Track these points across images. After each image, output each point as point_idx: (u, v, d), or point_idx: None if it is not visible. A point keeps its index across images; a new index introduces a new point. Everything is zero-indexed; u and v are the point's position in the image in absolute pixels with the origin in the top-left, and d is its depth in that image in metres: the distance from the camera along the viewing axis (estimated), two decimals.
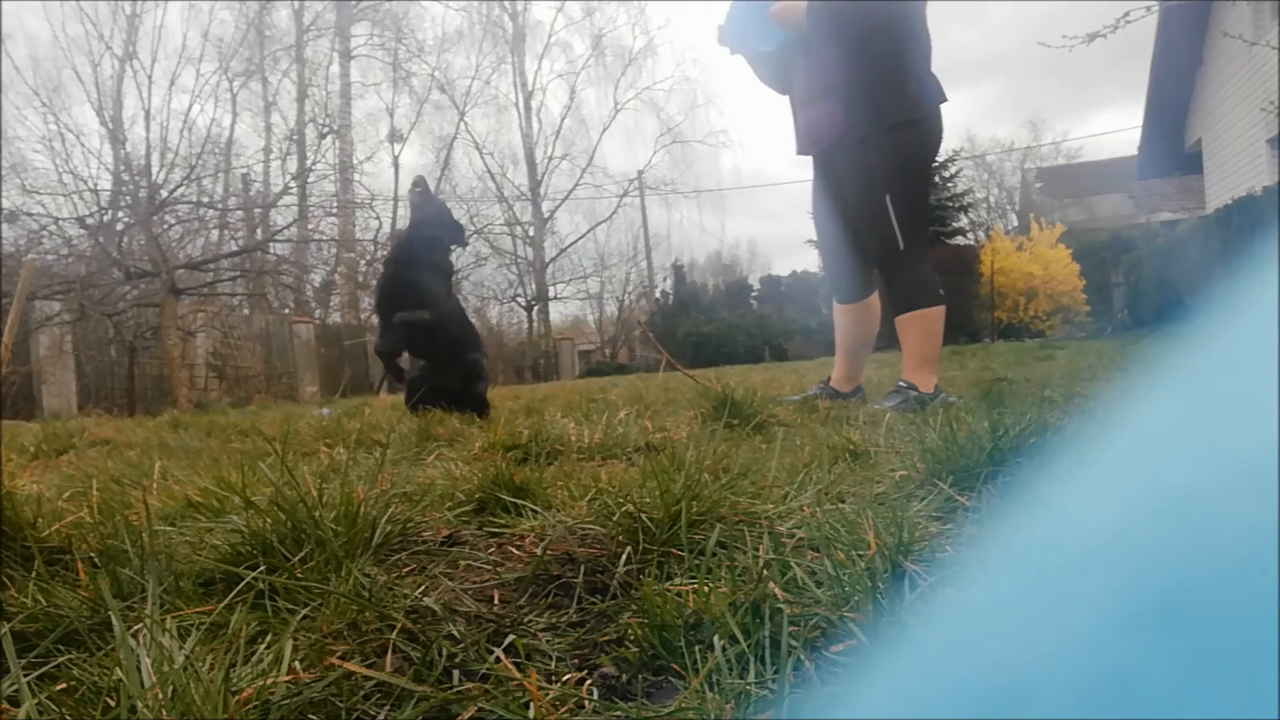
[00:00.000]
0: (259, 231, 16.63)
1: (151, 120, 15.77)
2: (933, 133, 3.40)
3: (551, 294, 27.48)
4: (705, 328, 23.85)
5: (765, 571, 0.93)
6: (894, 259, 3.38)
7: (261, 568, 1.00)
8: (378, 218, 20.43)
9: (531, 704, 0.72)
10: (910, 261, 3.36)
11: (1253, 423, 0.17)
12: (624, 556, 1.08)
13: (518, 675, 0.78)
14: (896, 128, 3.31)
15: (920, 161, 3.42)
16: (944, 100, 3.42)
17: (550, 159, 27.83)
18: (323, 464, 2.00)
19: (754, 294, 28.83)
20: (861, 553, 0.96)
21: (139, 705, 0.68)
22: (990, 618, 0.18)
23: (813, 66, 3.46)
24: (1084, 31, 8.64)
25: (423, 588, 0.98)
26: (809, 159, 3.71)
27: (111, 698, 0.71)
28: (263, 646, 0.81)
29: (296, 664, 0.76)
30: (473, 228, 24.74)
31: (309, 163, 18.05)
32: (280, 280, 16.95)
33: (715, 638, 0.79)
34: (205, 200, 15.37)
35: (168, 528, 1.23)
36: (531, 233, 27.33)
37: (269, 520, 1.09)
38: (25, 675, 0.73)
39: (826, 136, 3.50)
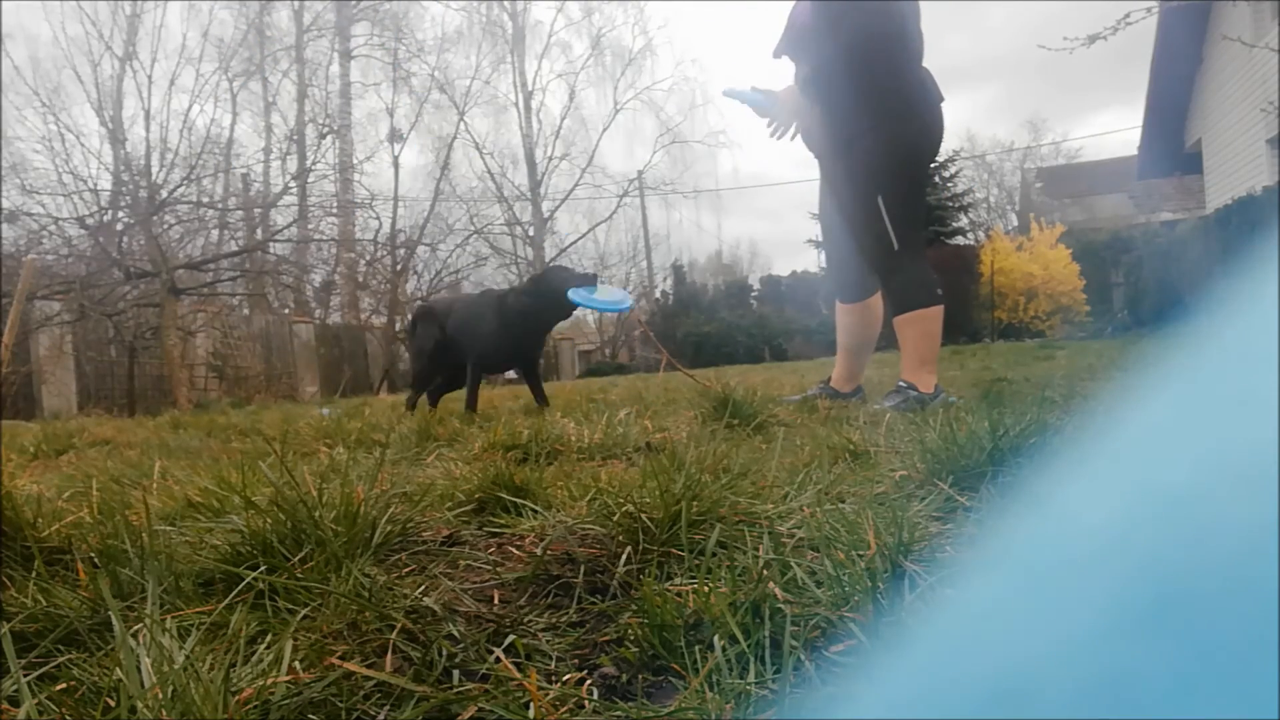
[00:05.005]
0: (259, 231, 16.63)
1: (151, 120, 15.81)
2: (927, 132, 3.38)
3: None
4: (705, 328, 23.84)
5: (765, 571, 0.93)
6: (889, 260, 3.36)
7: (261, 568, 1.00)
8: (377, 218, 20.44)
9: (531, 704, 0.72)
10: (906, 262, 3.34)
11: (1253, 423, 0.17)
12: (624, 556, 1.08)
13: (518, 675, 0.78)
14: (887, 127, 3.30)
15: (913, 161, 3.39)
16: (940, 99, 3.41)
17: (550, 159, 27.84)
18: (323, 464, 2.00)
19: (754, 294, 28.81)
20: (861, 553, 0.96)
21: (139, 705, 0.68)
22: (990, 618, 0.18)
23: (811, 68, 3.47)
24: (1084, 33, 8.65)
25: (423, 588, 0.98)
26: (813, 159, 3.72)
27: (111, 698, 0.71)
28: (263, 646, 0.81)
29: (296, 664, 0.76)
30: (473, 227, 24.79)
31: (309, 163, 18.05)
32: (280, 280, 16.94)
33: (715, 638, 0.79)
34: (205, 200, 15.37)
35: (168, 528, 1.23)
36: (531, 233, 27.32)
37: (269, 520, 1.09)
38: (25, 675, 0.73)
39: (825, 137, 3.50)
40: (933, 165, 3.67)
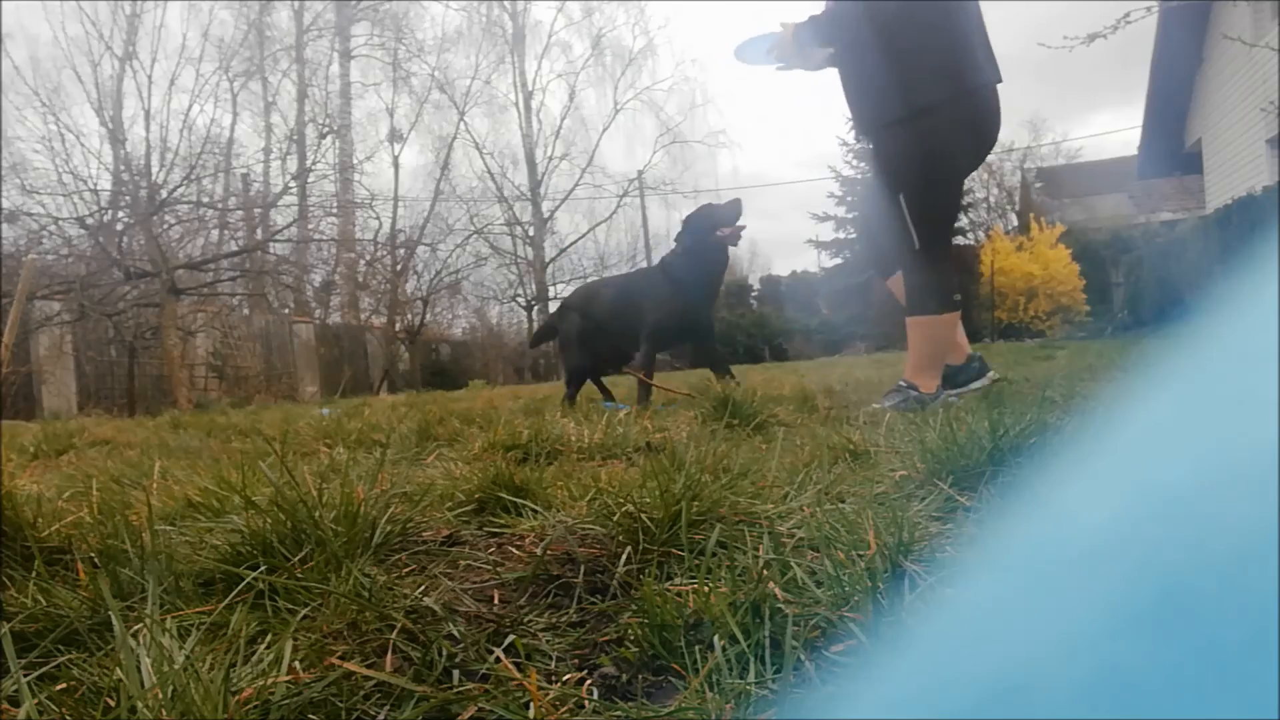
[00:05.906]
0: (259, 231, 16.61)
1: (151, 120, 15.77)
2: (959, 122, 3.16)
3: (551, 294, 27.42)
4: None
5: (765, 571, 0.93)
6: (908, 257, 3.27)
7: (261, 568, 1.00)
8: (377, 218, 20.47)
9: (531, 704, 0.72)
10: (925, 263, 3.23)
11: (1253, 423, 0.17)
12: (624, 556, 1.08)
13: (518, 675, 0.78)
14: (905, 121, 3.18)
15: (940, 156, 3.18)
16: (976, 84, 3.17)
17: (550, 159, 27.80)
18: (323, 464, 2.00)
19: (754, 294, 28.83)
20: (861, 553, 0.96)
21: (139, 705, 0.68)
22: (990, 618, 0.18)
23: (847, 58, 3.41)
24: (1084, 33, 8.66)
25: (423, 588, 0.98)
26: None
27: (111, 698, 0.71)
28: (263, 646, 0.81)
29: (296, 664, 0.76)
30: (473, 227, 24.79)
31: (309, 163, 18.04)
32: (280, 280, 16.94)
33: (715, 638, 0.79)
34: (205, 200, 15.36)
35: (168, 528, 1.23)
36: (531, 233, 27.32)
37: (269, 520, 1.09)
38: (25, 675, 0.73)
39: (860, 125, 3.47)
40: (962, 159, 3.37)
